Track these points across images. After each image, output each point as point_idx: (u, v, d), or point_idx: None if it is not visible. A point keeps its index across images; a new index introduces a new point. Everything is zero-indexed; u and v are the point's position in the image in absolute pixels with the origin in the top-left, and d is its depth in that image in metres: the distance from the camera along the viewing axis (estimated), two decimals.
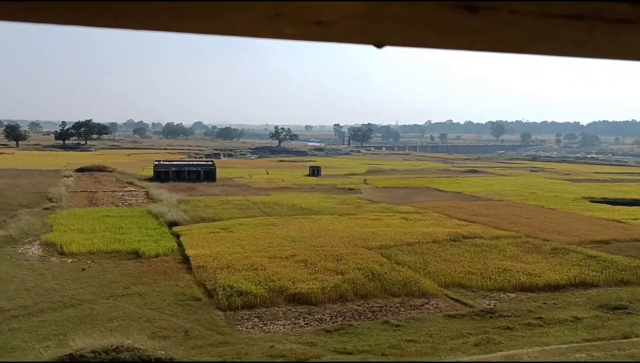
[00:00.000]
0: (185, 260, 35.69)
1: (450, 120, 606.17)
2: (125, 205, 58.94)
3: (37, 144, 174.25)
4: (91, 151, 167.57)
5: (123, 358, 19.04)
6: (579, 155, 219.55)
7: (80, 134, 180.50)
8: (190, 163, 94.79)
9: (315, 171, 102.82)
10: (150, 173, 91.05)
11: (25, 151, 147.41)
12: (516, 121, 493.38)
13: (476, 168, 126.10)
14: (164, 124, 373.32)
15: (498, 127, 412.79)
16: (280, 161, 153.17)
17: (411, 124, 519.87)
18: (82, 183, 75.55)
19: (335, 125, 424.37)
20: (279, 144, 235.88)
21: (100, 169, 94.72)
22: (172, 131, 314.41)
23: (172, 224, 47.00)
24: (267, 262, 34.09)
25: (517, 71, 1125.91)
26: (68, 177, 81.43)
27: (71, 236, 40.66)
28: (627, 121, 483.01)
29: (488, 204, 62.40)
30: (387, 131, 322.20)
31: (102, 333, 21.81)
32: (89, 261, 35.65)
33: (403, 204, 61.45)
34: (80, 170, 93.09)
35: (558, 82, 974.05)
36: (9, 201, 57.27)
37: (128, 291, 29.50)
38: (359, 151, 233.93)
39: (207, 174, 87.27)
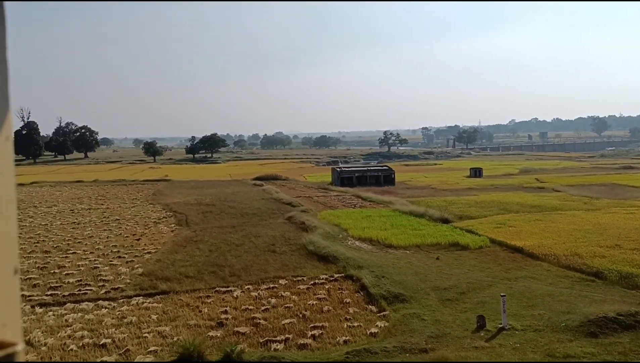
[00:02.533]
0: (515, 250, 39.74)
1: (536, 118, 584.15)
2: (351, 207, 63.82)
3: (170, 159, 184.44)
4: (219, 163, 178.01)
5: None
6: None
7: (206, 148, 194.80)
8: (369, 168, 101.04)
9: (477, 173, 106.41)
10: (319, 179, 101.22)
11: (169, 166, 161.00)
12: (609, 115, 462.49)
13: (631, 165, 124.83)
14: (261, 136, 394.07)
15: (600, 123, 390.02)
16: (406, 165, 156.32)
17: (494, 124, 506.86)
18: (283, 190, 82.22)
19: (423, 128, 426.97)
20: (389, 149, 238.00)
21: (276, 178, 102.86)
22: (270, 141, 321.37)
23: (441, 221, 52.04)
24: (607, 251, 37.58)
25: (597, 64, 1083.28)
26: (260, 186, 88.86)
27: (376, 232, 46.86)
28: None
29: None
30: (476, 132, 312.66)
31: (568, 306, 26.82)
32: (427, 253, 40.59)
33: (622, 200, 64.56)
34: (258, 179, 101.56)
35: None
36: (250, 206, 64.79)
37: (514, 275, 33.69)
38: (470, 153, 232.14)
39: (387, 179, 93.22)
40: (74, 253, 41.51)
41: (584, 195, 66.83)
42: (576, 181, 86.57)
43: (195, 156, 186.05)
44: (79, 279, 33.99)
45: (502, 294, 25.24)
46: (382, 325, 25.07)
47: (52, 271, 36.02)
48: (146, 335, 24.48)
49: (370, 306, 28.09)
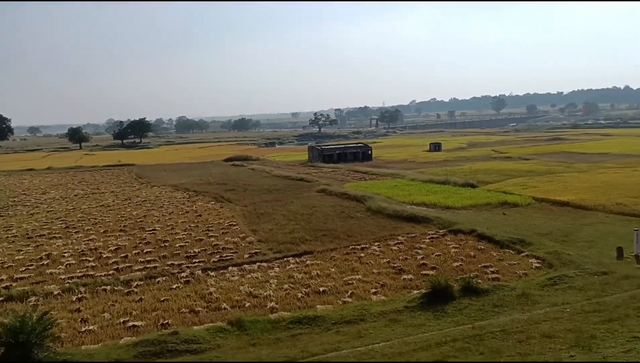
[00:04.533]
0: (562, 204, 45.93)
1: (434, 98, 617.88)
2: (363, 180, 68.92)
3: (96, 145, 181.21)
4: (152, 147, 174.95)
5: None
6: (603, 121, 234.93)
7: (135, 133, 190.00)
8: (348, 145, 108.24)
9: (437, 147, 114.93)
10: (288, 159, 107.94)
11: (103, 152, 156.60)
12: (500, 95, 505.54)
13: (559, 136, 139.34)
14: (165, 120, 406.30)
15: (499, 102, 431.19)
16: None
17: (397, 104, 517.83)
18: (273, 169, 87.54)
19: (336, 110, 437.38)
20: (319, 130, 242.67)
21: (247, 158, 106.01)
22: (187, 125, 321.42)
23: (468, 186, 57.36)
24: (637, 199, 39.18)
25: (486, 48, 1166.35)
26: (244, 166, 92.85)
27: (423, 197, 52.54)
28: (606, 89, 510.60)
29: None
30: (397, 112, 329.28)
31: None
32: (487, 211, 45.90)
33: (595, 163, 74.43)
34: (230, 159, 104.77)
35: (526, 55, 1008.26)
36: (266, 184, 68.55)
37: (585, 222, 39.98)
38: (395, 132, 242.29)
39: (365, 155, 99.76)
40: (162, 229, 42.83)
41: (559, 161, 75.89)
42: (533, 151, 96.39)
43: (124, 141, 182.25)
44: (204, 248, 35.14)
45: (635, 229, 30.39)
46: (535, 263, 29.09)
47: (164, 245, 37.59)
48: (352, 282, 27.15)
49: (505, 249, 32.02)
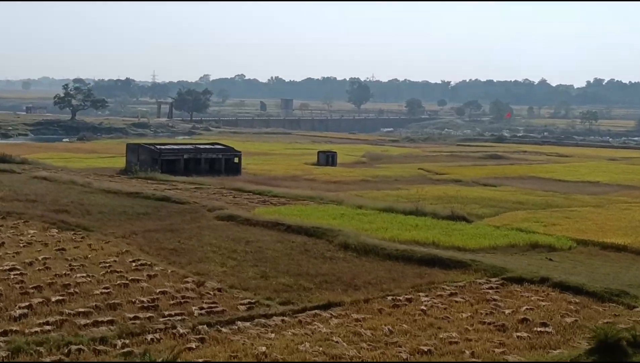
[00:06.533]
0: (617, 249, 40.01)
1: (241, 75, 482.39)
2: (262, 204, 54.30)
3: None
4: None
5: None
6: (537, 135, 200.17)
7: None
8: (202, 146, 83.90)
9: (329, 159, 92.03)
10: (92, 165, 79.20)
11: None
12: (354, 78, 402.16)
13: (497, 153, 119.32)
14: None
15: (360, 91, 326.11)
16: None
17: (180, 80, 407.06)
18: (72, 178, 64.09)
19: (76, 79, 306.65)
20: (73, 116, 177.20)
21: (5, 159, 74.30)
22: None
23: (454, 218, 47.32)
24: None
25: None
26: (13, 173, 67.00)
27: (409, 234, 41.99)
28: (512, 82, 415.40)
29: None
30: (207, 93, 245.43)
31: None
32: (520, 256, 38.64)
33: (594, 195, 65.14)
34: None
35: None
36: (104, 205, 50.78)
37: None
38: (209, 129, 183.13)
39: (229, 165, 77.36)
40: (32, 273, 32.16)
41: (543, 190, 69.30)
42: (484, 173, 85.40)
43: None
44: (152, 298, 27.37)
45: None
46: None
47: (73, 292, 28.00)
48: (453, 341, 23.70)
49: (608, 303, 28.99)
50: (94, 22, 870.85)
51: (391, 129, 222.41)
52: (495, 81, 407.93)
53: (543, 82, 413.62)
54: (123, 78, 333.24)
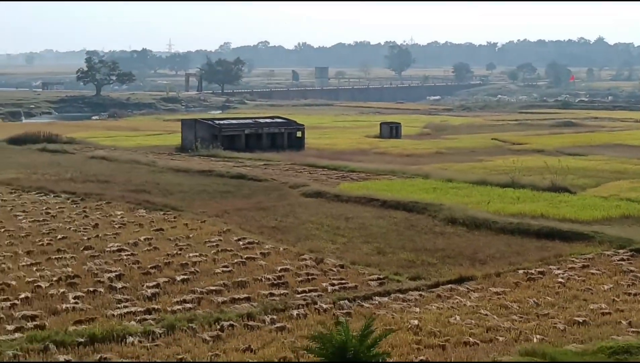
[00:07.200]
0: None
1: (265, 42, 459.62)
2: (337, 178, 52.49)
3: None
4: None
5: None
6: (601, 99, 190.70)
7: None
8: (262, 120, 79.08)
9: (393, 131, 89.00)
10: (143, 143, 74.72)
11: None
12: (392, 42, 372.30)
13: (571, 121, 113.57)
14: None
15: (401, 56, 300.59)
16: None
17: (199, 49, 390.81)
18: (137, 159, 62.34)
19: (88, 52, 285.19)
20: (99, 92, 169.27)
21: (51, 140, 71.02)
22: None
23: (555, 190, 44.90)
24: None
25: None
26: (65, 153, 65.02)
27: (512, 207, 40.14)
28: (566, 42, 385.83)
29: None
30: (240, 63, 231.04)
31: None
32: None
33: None
34: (16, 142, 72.74)
35: None
36: (183, 184, 50.02)
37: None
38: (244, 103, 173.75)
39: (292, 139, 73.77)
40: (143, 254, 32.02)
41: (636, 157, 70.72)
42: (560, 142, 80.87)
43: None
44: (275, 276, 27.05)
45: None
46: None
47: (195, 270, 27.51)
48: (604, 312, 23.34)
49: None
50: None
51: (438, 97, 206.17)
52: (546, 40, 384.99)
53: (600, 40, 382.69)
54: (136, 49, 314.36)
